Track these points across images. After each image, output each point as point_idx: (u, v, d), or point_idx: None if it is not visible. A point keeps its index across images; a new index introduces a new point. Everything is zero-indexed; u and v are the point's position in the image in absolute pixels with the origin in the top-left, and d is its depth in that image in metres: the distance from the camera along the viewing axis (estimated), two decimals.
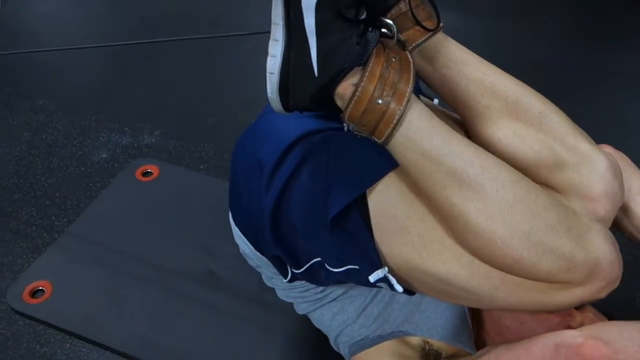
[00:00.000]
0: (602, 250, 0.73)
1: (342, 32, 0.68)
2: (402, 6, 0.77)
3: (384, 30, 0.73)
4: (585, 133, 0.84)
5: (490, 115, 0.82)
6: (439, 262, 0.77)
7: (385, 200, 0.79)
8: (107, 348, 1.21)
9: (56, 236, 1.43)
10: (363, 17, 0.70)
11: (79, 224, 1.45)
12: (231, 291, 1.29)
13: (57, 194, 1.55)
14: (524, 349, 0.78)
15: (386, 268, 0.80)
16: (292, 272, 0.89)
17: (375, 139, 0.73)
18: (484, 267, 0.75)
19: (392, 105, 0.69)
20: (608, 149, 0.94)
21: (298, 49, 0.70)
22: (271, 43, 0.70)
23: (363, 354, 0.99)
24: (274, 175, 0.84)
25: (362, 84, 0.69)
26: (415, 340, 0.98)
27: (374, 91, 0.69)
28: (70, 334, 1.23)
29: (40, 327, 1.25)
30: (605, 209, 0.80)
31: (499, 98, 0.82)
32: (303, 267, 0.87)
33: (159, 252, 1.38)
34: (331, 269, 0.84)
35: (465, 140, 0.75)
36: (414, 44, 0.79)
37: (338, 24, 0.68)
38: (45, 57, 2.01)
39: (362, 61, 0.69)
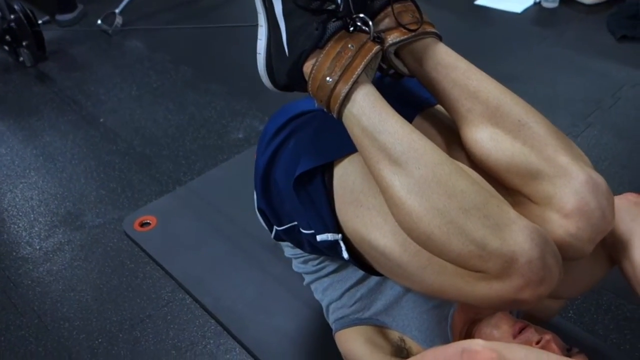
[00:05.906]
0: (521, 245, 0.70)
1: (303, 18, 0.79)
2: (389, 10, 0.84)
3: (364, 27, 0.81)
4: (571, 147, 0.81)
5: (471, 118, 0.84)
6: (379, 235, 0.82)
7: (347, 175, 0.87)
8: (174, 279, 1.44)
9: (177, 187, 1.72)
10: (330, 8, 0.79)
11: (197, 182, 1.73)
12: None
13: (193, 157, 1.86)
14: (441, 350, 0.78)
15: (340, 235, 0.88)
16: (275, 229, 1.02)
17: (331, 113, 0.81)
18: (414, 245, 0.77)
19: (339, 84, 0.77)
20: (631, 196, 0.89)
21: (274, 32, 0.82)
22: (258, 29, 0.84)
23: (343, 331, 1.06)
24: (271, 142, 1.00)
25: (317, 64, 0.79)
26: (393, 334, 1.02)
27: (325, 70, 0.78)
28: (154, 260, 1.50)
29: (136, 249, 1.54)
30: (577, 226, 0.76)
31: (481, 103, 0.83)
32: (283, 225, 0.99)
33: (248, 218, 1.50)
34: (303, 231, 0.94)
35: (402, 122, 0.78)
36: (392, 42, 0.84)
37: (299, 12, 0.79)
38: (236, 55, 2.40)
39: (320, 44, 0.79)
